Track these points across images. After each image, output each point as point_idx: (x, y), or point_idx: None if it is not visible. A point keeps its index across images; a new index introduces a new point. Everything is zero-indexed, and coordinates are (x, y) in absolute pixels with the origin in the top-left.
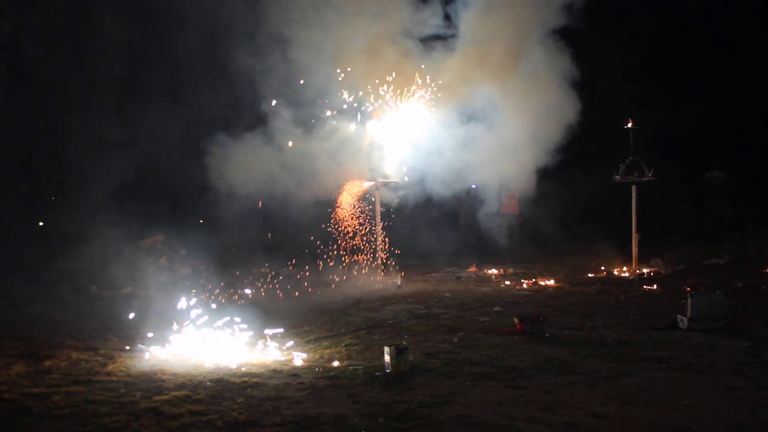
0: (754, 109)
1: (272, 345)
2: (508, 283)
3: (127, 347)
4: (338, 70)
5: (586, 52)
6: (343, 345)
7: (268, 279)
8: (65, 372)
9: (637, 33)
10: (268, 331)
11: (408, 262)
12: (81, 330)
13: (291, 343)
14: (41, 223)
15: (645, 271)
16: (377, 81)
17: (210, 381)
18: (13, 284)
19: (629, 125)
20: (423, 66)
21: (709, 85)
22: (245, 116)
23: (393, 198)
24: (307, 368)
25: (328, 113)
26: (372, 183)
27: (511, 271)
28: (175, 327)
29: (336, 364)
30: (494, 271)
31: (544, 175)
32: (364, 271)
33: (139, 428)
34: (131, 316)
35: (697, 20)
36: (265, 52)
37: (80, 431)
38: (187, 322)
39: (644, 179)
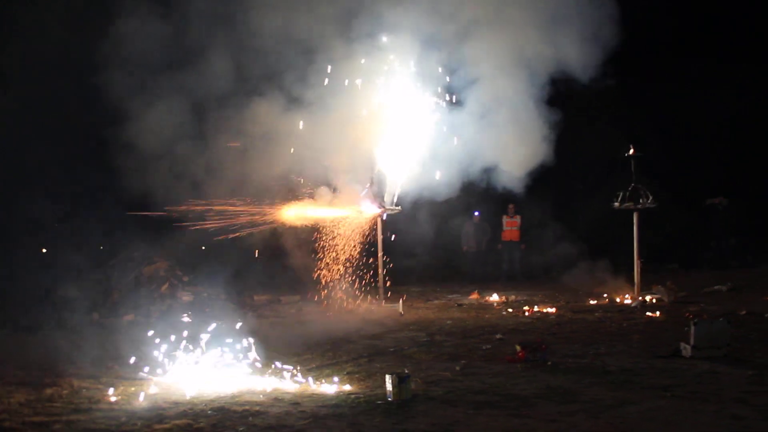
0: (755, 136)
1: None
2: (510, 310)
3: (129, 375)
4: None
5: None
6: (345, 373)
7: (269, 306)
8: (66, 400)
9: (637, 59)
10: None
11: (409, 290)
12: (83, 357)
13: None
14: (44, 250)
15: (647, 298)
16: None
17: (211, 409)
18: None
19: (631, 152)
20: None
21: (710, 113)
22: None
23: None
24: (309, 396)
25: None
26: (377, 212)
27: (512, 298)
28: (176, 355)
29: (336, 387)
30: (496, 298)
31: (545, 201)
32: (365, 299)
33: None
34: (136, 344)
35: (695, 46)
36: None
37: None
38: (189, 350)
39: (645, 206)
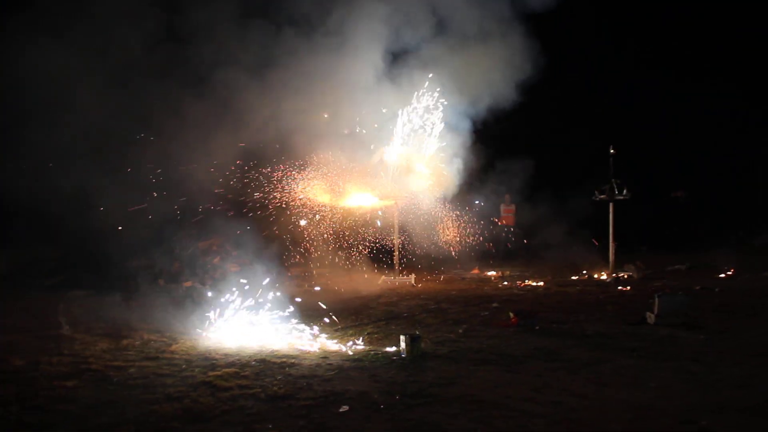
0: (712, 140)
1: (308, 332)
2: (505, 283)
3: (188, 331)
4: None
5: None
6: (366, 333)
7: (304, 277)
8: (139, 350)
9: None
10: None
11: (420, 265)
12: (151, 316)
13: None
14: (120, 228)
15: (620, 275)
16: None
17: (255, 360)
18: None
19: (611, 152)
20: None
21: (674, 122)
22: None
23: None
24: (335, 352)
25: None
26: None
27: (507, 273)
28: (226, 315)
29: (360, 346)
30: (493, 273)
31: (537, 196)
32: (384, 271)
33: (197, 397)
34: (193, 306)
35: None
36: None
37: (150, 398)
38: (237, 311)
39: (620, 198)
